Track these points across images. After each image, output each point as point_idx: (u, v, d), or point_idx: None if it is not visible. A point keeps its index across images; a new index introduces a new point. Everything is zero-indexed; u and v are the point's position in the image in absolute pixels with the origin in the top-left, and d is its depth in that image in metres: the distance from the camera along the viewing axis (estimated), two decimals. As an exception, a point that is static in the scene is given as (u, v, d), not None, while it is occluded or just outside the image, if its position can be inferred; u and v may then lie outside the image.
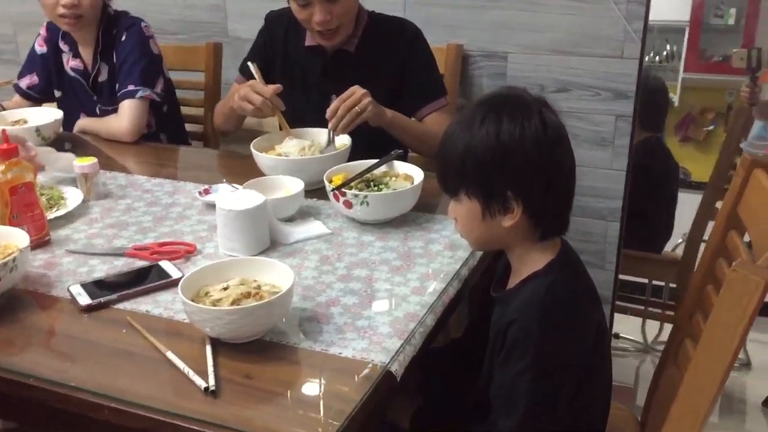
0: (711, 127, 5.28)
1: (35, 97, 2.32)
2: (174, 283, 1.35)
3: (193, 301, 1.17)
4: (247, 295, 1.19)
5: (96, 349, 1.21)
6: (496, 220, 1.18)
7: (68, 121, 2.17)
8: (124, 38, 2.15)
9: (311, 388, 1.08)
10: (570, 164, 1.17)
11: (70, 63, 2.25)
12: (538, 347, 1.14)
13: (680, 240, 3.03)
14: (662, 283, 2.74)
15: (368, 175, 1.63)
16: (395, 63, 1.96)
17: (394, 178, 1.64)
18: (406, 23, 2.00)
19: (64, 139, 2.12)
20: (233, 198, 1.48)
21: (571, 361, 1.17)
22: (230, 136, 2.19)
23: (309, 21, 1.89)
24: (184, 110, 2.51)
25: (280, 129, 1.91)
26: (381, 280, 1.36)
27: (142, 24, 2.19)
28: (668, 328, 2.28)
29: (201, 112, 2.56)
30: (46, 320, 1.28)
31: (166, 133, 2.32)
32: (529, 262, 1.23)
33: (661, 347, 2.36)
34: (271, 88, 1.83)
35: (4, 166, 1.45)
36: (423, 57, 2.00)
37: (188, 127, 2.51)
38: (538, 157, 1.12)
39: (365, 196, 1.52)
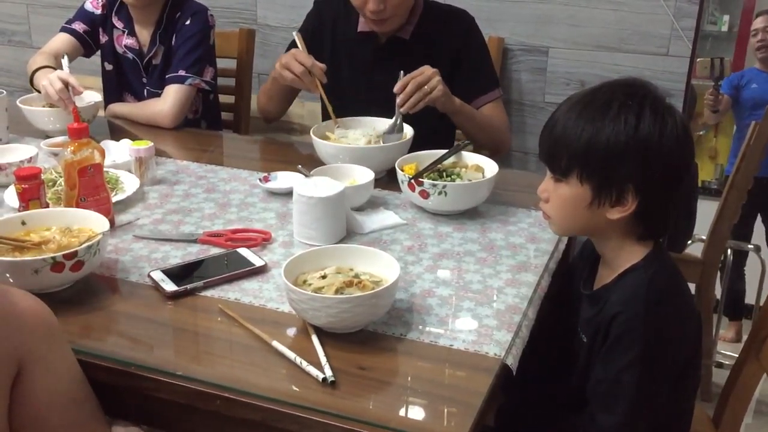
0: (701, 132, 5.35)
1: (85, 40, 2.19)
2: (258, 271, 1.31)
3: (294, 289, 1.12)
4: (349, 284, 1.15)
5: (192, 338, 1.16)
6: (601, 210, 1.14)
7: (110, 99, 2.09)
8: (188, 23, 2.09)
9: (432, 380, 1.05)
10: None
11: (123, 41, 2.17)
12: (644, 341, 1.11)
13: (689, 241, 3.05)
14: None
15: (439, 166, 1.60)
16: (450, 52, 1.93)
17: (464, 169, 1.60)
18: (462, 12, 1.97)
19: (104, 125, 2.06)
20: (311, 185, 1.43)
21: (676, 354, 1.16)
22: (273, 122, 2.14)
23: (363, 7, 1.85)
24: (214, 98, 2.45)
25: (323, 118, 1.87)
26: (471, 272, 1.33)
27: (208, 12, 2.14)
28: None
29: (231, 100, 2.50)
30: (129, 306, 1.23)
31: (207, 120, 2.27)
32: (624, 255, 1.20)
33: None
34: (315, 62, 1.78)
35: (73, 147, 1.39)
36: (479, 47, 1.97)
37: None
38: (673, 156, 1.09)
39: (444, 186, 1.48)
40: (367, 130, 1.78)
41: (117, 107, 2.18)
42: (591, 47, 2.29)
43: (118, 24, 2.16)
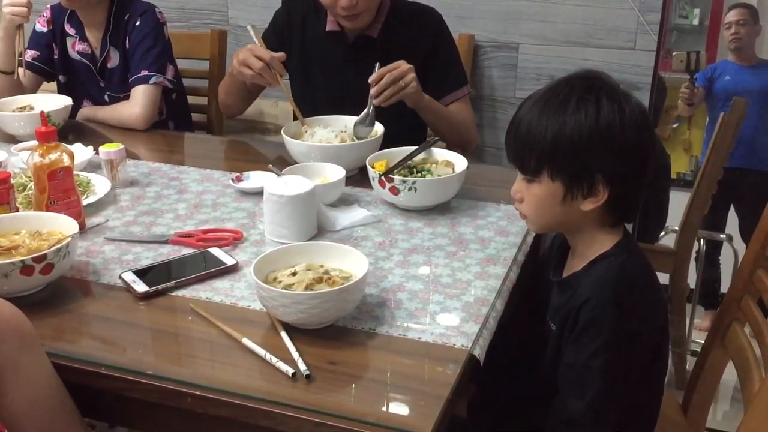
0: (675, 125, 5.40)
1: (38, 67, 2.19)
2: (229, 270, 1.32)
3: (264, 286, 1.13)
4: (319, 281, 1.16)
5: (163, 337, 1.17)
6: (575, 203, 1.16)
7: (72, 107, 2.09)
8: (138, 23, 2.09)
9: (401, 372, 1.06)
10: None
11: (76, 47, 2.16)
12: (613, 327, 1.13)
13: (662, 233, 3.09)
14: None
15: (409, 162, 1.61)
16: (419, 50, 1.94)
17: (434, 165, 1.62)
18: (431, 10, 1.99)
19: (71, 128, 2.05)
20: (281, 184, 1.44)
21: (644, 340, 1.18)
22: (235, 117, 2.14)
23: (333, 6, 1.85)
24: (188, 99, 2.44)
25: (294, 117, 1.86)
26: (441, 266, 1.34)
27: (157, 10, 2.13)
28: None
29: (205, 101, 2.50)
30: (101, 308, 1.23)
31: (174, 121, 2.26)
32: (595, 244, 1.22)
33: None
34: (273, 55, 1.75)
35: (42, 150, 1.39)
36: (447, 45, 1.99)
37: (192, 116, 2.45)
38: (636, 141, 1.12)
39: (413, 182, 1.50)
40: (338, 127, 1.79)
41: (88, 111, 2.17)
42: (560, 43, 2.32)
43: (71, 30, 2.15)
